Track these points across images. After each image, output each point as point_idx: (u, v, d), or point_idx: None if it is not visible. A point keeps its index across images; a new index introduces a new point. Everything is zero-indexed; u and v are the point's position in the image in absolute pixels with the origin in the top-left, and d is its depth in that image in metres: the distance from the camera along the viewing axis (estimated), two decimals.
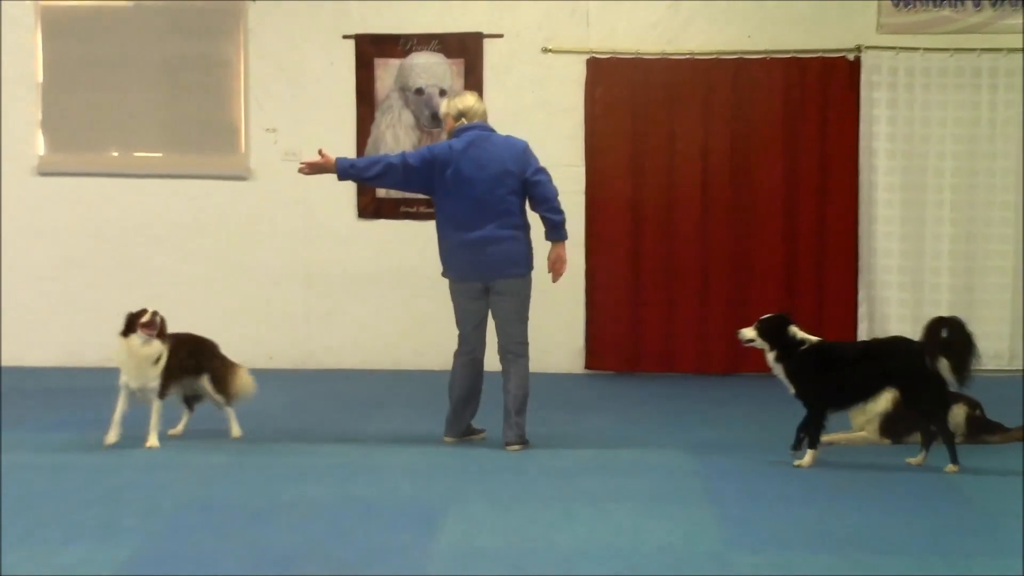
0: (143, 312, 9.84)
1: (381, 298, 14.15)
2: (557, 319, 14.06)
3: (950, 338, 9.11)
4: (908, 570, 6.77)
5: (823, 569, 6.77)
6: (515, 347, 10.00)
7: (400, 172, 10.03)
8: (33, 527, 7.47)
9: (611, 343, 14.33)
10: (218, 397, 10.32)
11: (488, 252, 9.84)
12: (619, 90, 14.14)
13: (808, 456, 9.38)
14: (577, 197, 14.10)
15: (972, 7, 13.98)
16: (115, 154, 14.41)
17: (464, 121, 10.07)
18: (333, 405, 10.94)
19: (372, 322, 14.21)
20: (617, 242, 14.19)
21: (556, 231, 9.92)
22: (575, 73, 14.16)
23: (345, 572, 6.60)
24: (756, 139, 14.11)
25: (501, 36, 14.18)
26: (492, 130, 10.06)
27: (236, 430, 10.32)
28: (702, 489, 8.59)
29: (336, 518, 7.75)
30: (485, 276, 9.90)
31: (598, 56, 14.15)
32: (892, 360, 9.35)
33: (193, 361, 10.26)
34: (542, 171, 9.85)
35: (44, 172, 14.27)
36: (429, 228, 10.35)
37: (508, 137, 10.06)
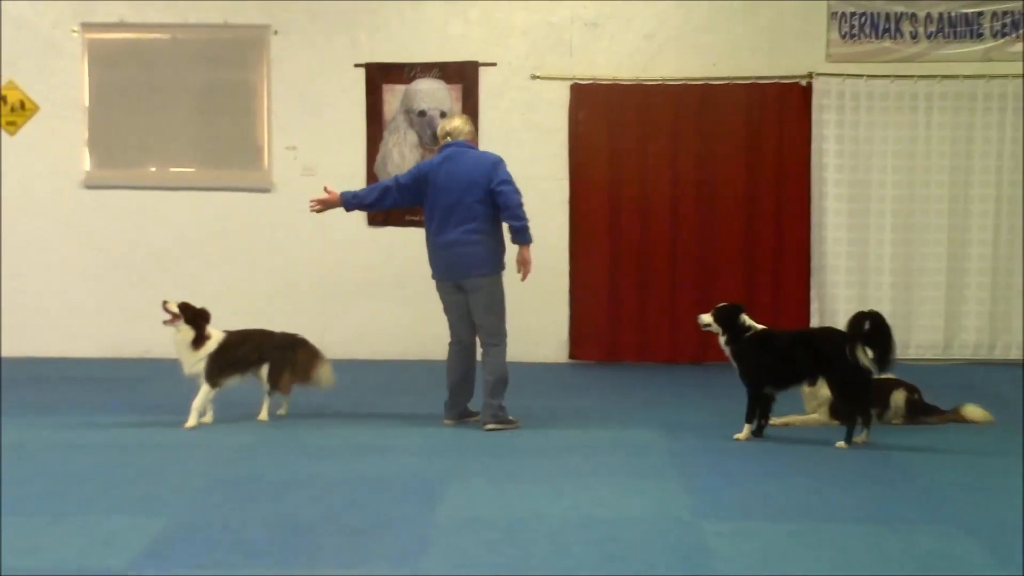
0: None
1: (388, 296, 14.13)
2: (544, 314, 14.07)
3: (872, 330, 9.12)
4: (855, 536, 6.76)
5: (782, 535, 6.76)
6: (489, 338, 9.99)
7: (395, 192, 10.13)
8: (81, 500, 7.45)
9: (593, 335, 14.30)
10: (266, 385, 10.30)
11: (457, 254, 9.88)
12: (599, 112, 14.11)
13: (744, 430, 9.46)
14: (562, 207, 14.11)
15: (910, 39, 13.98)
16: (153, 169, 14.37)
17: (449, 139, 10.12)
18: (346, 391, 10.90)
19: (380, 317, 14.18)
20: (597, 246, 14.16)
21: (518, 235, 9.87)
22: (560, 97, 14.13)
23: (357, 538, 6.58)
24: (720, 155, 14.08)
25: (495, 64, 14.15)
26: (471, 147, 10.07)
27: (263, 415, 10.28)
28: (674, 465, 8.58)
29: (349, 491, 7.73)
30: (456, 275, 9.94)
31: (580, 82, 14.12)
32: (822, 348, 9.39)
33: (256, 354, 10.26)
34: (506, 182, 9.78)
35: (90, 185, 14.24)
36: None
37: (483, 152, 10.10)
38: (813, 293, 14.13)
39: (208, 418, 10.13)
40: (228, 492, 7.72)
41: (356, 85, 14.17)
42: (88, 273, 14.25)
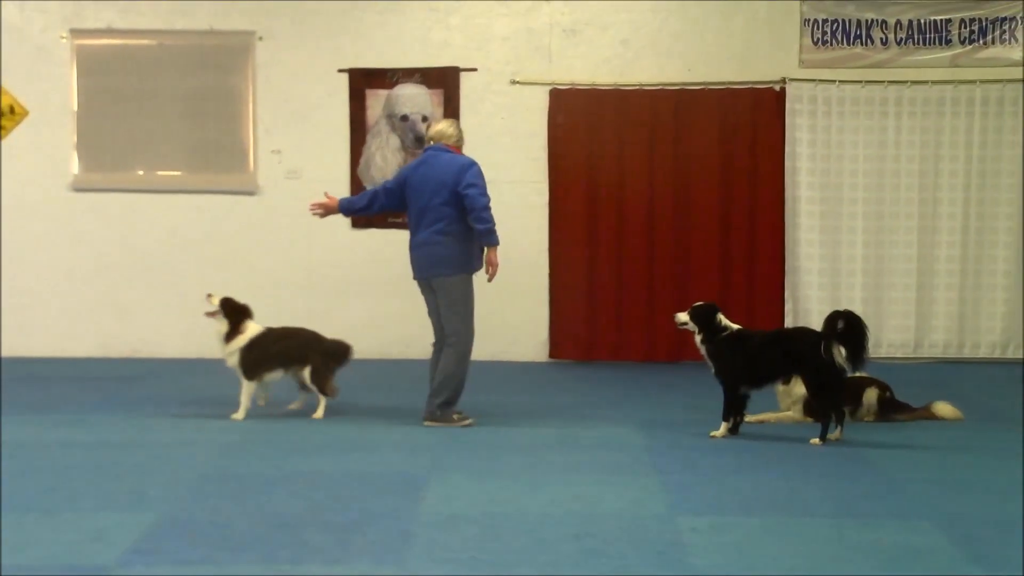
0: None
1: (372, 297, 14.11)
2: (524, 314, 14.08)
3: (846, 329, 9.17)
4: (826, 530, 6.81)
5: (755, 530, 6.79)
6: (448, 336, 10.02)
7: (382, 196, 10.31)
8: (70, 496, 7.45)
9: (571, 335, 14.30)
10: (312, 388, 10.34)
11: (425, 253, 9.97)
12: (577, 117, 14.12)
13: (722, 428, 9.50)
14: (541, 210, 14.11)
15: (881, 45, 14.03)
16: (141, 173, 14.33)
17: (431, 143, 10.18)
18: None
19: (365, 318, 14.16)
20: (576, 247, 14.16)
21: (483, 237, 9.88)
22: (539, 102, 14.14)
23: (341, 534, 6.60)
24: (695, 159, 14.10)
25: (475, 70, 14.15)
26: (448, 150, 10.09)
27: (320, 413, 10.29)
28: (650, 461, 8.62)
29: (334, 486, 7.75)
30: (423, 274, 10.05)
31: (559, 87, 14.13)
32: (796, 347, 9.44)
33: (299, 353, 10.33)
34: (472, 185, 9.79)
35: (78, 188, 14.19)
36: None
37: (457, 156, 10.08)
38: (787, 293, 14.16)
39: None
40: (215, 488, 7.73)
41: (340, 90, 14.15)
42: (77, 274, 14.21)
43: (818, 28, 14.01)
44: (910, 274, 14.15)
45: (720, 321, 9.62)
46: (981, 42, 13.99)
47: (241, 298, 10.49)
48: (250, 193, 14.22)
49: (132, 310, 14.17)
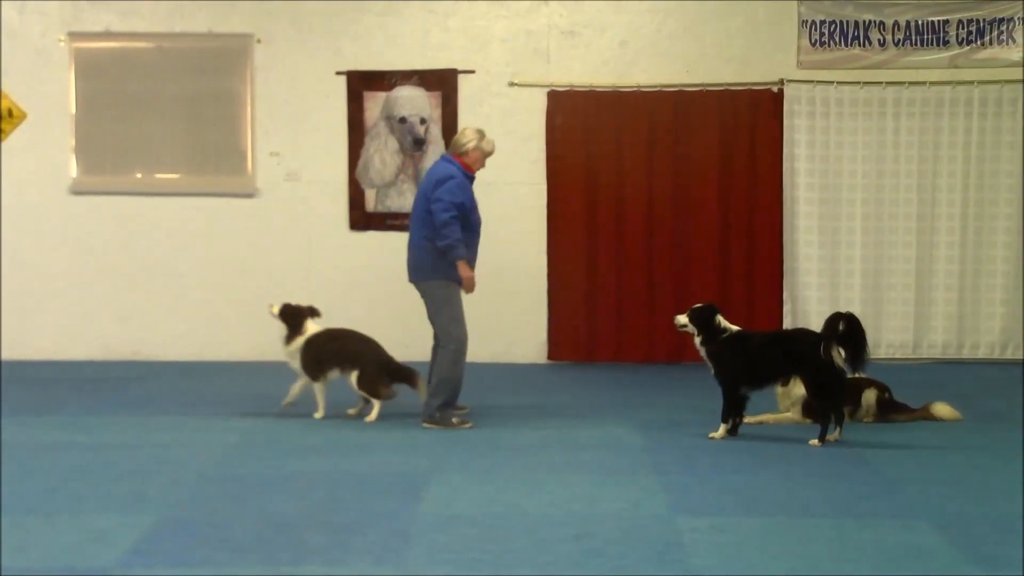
0: None
1: (371, 298, 14.09)
2: (522, 315, 14.08)
3: (846, 331, 9.16)
4: (826, 530, 6.80)
5: (754, 530, 6.79)
6: (440, 340, 10.17)
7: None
8: (70, 498, 7.45)
9: (570, 337, 14.29)
10: (360, 393, 10.36)
11: (410, 257, 10.24)
12: (576, 118, 14.12)
13: (721, 429, 9.50)
14: (540, 211, 14.11)
15: (879, 46, 14.03)
16: (139, 175, 14.33)
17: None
18: (329, 390, 10.88)
19: (363, 319, 14.02)
20: (574, 249, 14.16)
21: (445, 252, 9.93)
22: (538, 104, 14.14)
23: (340, 535, 6.60)
24: (694, 160, 14.10)
25: (473, 72, 14.15)
26: (449, 160, 10.20)
27: (373, 416, 10.25)
28: (649, 462, 8.62)
29: (333, 487, 7.75)
30: (409, 278, 10.28)
31: (557, 89, 14.13)
32: (796, 348, 9.44)
33: (346, 357, 10.38)
34: (438, 200, 9.87)
35: (77, 191, 14.18)
36: None
37: (444, 166, 10.17)
38: (786, 295, 14.16)
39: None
40: (215, 490, 7.73)
41: (338, 92, 14.15)
42: (76, 277, 14.19)
43: (816, 29, 14.02)
44: (909, 275, 14.16)
45: (719, 322, 9.60)
46: (979, 43, 14.00)
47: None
48: (249, 195, 14.22)
49: (132, 312, 14.16)
